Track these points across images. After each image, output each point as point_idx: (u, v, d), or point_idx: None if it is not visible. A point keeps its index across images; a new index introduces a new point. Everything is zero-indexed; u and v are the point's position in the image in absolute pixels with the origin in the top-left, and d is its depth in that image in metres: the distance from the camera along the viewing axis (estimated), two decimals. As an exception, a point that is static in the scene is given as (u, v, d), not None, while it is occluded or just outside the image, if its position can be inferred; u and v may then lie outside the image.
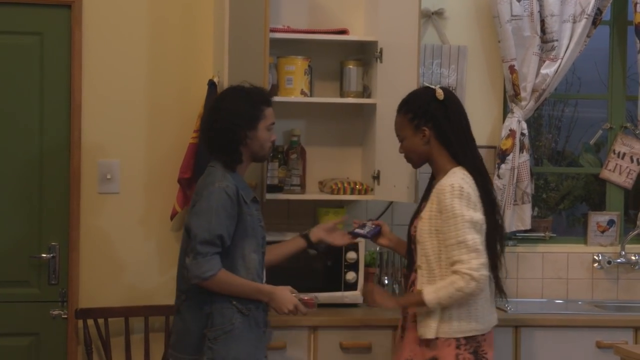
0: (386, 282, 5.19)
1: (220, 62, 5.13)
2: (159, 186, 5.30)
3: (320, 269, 5.12)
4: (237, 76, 5.02)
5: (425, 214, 4.31)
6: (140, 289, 5.29)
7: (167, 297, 5.29)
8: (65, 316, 5.20)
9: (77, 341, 5.21)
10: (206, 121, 4.48)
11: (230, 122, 4.37)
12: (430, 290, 4.20)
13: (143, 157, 5.30)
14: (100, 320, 5.16)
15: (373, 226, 4.65)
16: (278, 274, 5.08)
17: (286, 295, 4.37)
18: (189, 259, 4.24)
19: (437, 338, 4.27)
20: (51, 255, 5.22)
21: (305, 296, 4.42)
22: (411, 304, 4.32)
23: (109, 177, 5.27)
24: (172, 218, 5.26)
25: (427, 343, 4.29)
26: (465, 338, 4.26)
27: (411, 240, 4.40)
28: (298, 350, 4.85)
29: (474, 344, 4.28)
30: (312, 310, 4.43)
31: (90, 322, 5.15)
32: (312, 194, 5.23)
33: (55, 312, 5.20)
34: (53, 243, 5.23)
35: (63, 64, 5.22)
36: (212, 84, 5.13)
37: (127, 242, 5.29)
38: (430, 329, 4.26)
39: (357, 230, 4.66)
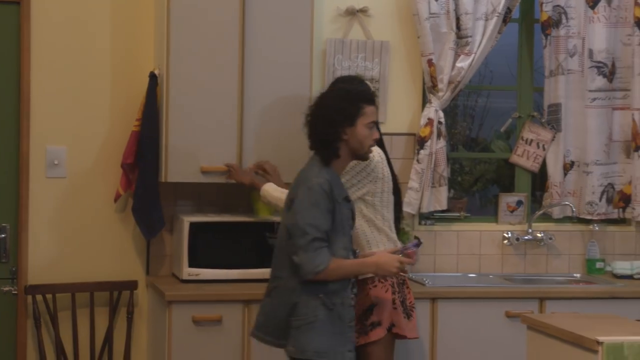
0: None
1: (161, 55, 5.11)
2: (103, 171, 5.27)
3: (254, 246, 5.12)
4: (178, 68, 5.02)
5: None
6: (85, 266, 5.25)
7: (111, 274, 5.28)
8: (15, 292, 5.15)
9: (26, 316, 5.16)
10: (308, 115, 4.33)
11: (328, 118, 4.24)
12: None
13: (88, 144, 5.26)
14: (49, 296, 5.12)
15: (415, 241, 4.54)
16: (215, 251, 5.09)
17: (388, 258, 4.28)
18: (299, 256, 4.12)
19: None
20: (2, 235, 5.16)
21: (406, 247, 4.35)
22: None
23: (56, 162, 5.22)
24: (115, 200, 5.23)
25: None
26: None
27: None
28: (233, 322, 4.84)
29: None
30: (418, 252, 4.43)
31: (39, 297, 5.10)
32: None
33: (6, 289, 5.14)
34: (4, 224, 5.17)
35: (13, 57, 5.16)
36: (152, 76, 5.11)
37: (74, 223, 5.25)
38: None
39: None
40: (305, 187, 4.18)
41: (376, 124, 4.34)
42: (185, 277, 5.03)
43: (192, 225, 5.04)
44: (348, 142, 4.26)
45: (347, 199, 4.31)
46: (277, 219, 5.12)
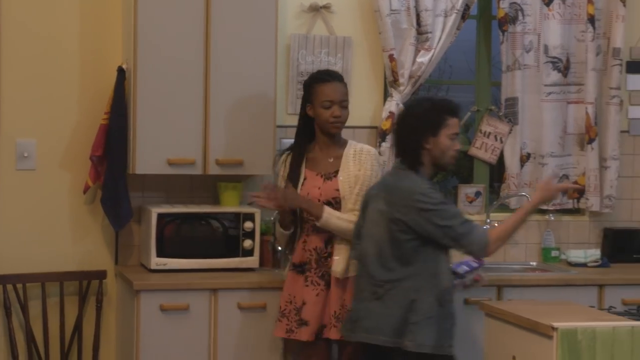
0: (279, 249, 5.20)
1: (128, 50, 5.11)
2: (72, 163, 5.26)
3: (221, 236, 5.13)
4: (145, 63, 5.02)
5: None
6: (55, 256, 5.24)
7: (80, 263, 5.27)
8: (-14, 282, 5.15)
9: (-3, 305, 5.16)
10: (395, 123, 4.51)
11: (412, 127, 4.34)
12: None
13: (58, 137, 5.25)
14: (19, 285, 5.10)
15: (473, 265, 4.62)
16: (182, 241, 5.09)
17: (548, 187, 4.44)
18: (464, 245, 4.26)
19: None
20: (-27, 226, 5.16)
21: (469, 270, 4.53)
22: None
23: (26, 155, 5.20)
24: (84, 192, 5.23)
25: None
26: None
27: None
28: (200, 310, 4.85)
29: None
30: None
31: (9, 287, 5.09)
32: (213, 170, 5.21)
33: (-23, 279, 5.14)
34: (-26, 215, 5.18)
35: (-18, 51, 5.15)
36: (120, 70, 5.11)
37: (43, 214, 5.24)
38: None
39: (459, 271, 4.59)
40: (420, 194, 4.26)
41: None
42: (153, 266, 5.03)
43: (160, 215, 5.05)
44: (430, 151, 4.35)
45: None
46: (244, 209, 5.14)
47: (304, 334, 4.63)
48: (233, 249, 5.11)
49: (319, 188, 4.68)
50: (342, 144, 4.77)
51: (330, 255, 4.65)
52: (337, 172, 4.70)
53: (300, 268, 4.69)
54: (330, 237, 4.66)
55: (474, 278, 4.54)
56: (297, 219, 4.70)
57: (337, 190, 4.67)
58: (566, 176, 5.81)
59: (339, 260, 4.62)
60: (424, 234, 4.25)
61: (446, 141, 4.34)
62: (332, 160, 4.73)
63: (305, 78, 5.39)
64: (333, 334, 4.63)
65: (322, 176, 4.70)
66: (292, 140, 4.99)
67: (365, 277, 4.38)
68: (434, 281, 4.27)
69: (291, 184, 4.67)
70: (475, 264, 4.56)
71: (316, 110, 4.67)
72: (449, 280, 4.33)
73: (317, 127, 4.72)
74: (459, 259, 4.61)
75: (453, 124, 4.37)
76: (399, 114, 4.63)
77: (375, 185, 4.53)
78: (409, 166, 4.36)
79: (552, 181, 4.42)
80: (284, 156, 4.80)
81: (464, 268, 4.55)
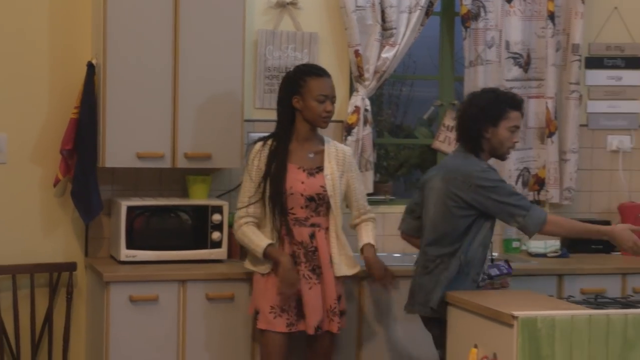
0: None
1: (98, 45, 5.09)
2: (43, 157, 5.24)
3: (189, 228, 5.13)
4: (115, 58, 5.01)
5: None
6: (26, 249, 5.22)
7: (51, 256, 5.25)
8: (-42, 274, 5.12)
9: (-32, 297, 5.14)
10: (459, 110, 4.69)
11: (474, 116, 4.50)
12: None
13: (28, 131, 5.22)
14: (-10, 278, 5.10)
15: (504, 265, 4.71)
16: (151, 233, 5.09)
17: (627, 232, 4.43)
18: (518, 222, 4.42)
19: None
20: (-56, 219, 5.13)
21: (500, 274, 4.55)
22: None
23: (-3, 148, 5.20)
24: (55, 185, 5.21)
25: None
26: None
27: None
28: (169, 301, 4.85)
29: None
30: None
31: (-19, 279, 5.09)
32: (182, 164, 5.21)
33: (-52, 271, 5.12)
34: (-55, 208, 5.15)
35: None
36: (90, 65, 5.10)
37: (14, 207, 5.21)
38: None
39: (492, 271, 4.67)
40: (479, 171, 4.45)
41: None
42: (122, 258, 5.03)
43: (129, 208, 5.04)
44: (489, 140, 4.51)
45: None
46: (212, 202, 5.15)
47: (307, 327, 4.63)
48: (201, 241, 5.11)
49: (303, 182, 4.66)
50: (320, 139, 4.77)
51: (316, 250, 4.66)
52: (319, 168, 4.71)
53: (292, 259, 4.64)
54: (313, 231, 4.67)
55: (502, 282, 4.63)
56: (277, 216, 4.65)
57: (322, 187, 4.68)
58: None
59: (340, 266, 4.71)
60: (481, 209, 4.44)
61: (505, 133, 4.51)
62: (312, 155, 4.72)
63: (273, 72, 5.42)
64: (332, 326, 4.67)
65: (304, 170, 4.68)
66: (260, 134, 5.01)
67: (421, 254, 4.64)
68: (464, 250, 4.47)
69: (274, 174, 4.63)
70: (505, 270, 4.66)
71: (308, 103, 4.64)
72: (475, 257, 4.50)
73: (300, 120, 4.69)
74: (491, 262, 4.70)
75: (514, 117, 4.53)
76: (463, 101, 4.78)
77: (434, 167, 4.76)
78: (469, 151, 4.54)
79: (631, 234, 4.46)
80: (257, 146, 4.73)
81: (495, 271, 4.65)
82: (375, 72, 5.55)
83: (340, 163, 4.76)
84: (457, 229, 4.48)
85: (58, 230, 5.29)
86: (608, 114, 5.99)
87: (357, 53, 5.51)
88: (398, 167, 7.17)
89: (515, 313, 3.80)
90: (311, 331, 4.63)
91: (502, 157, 4.62)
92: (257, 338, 4.82)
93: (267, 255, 4.62)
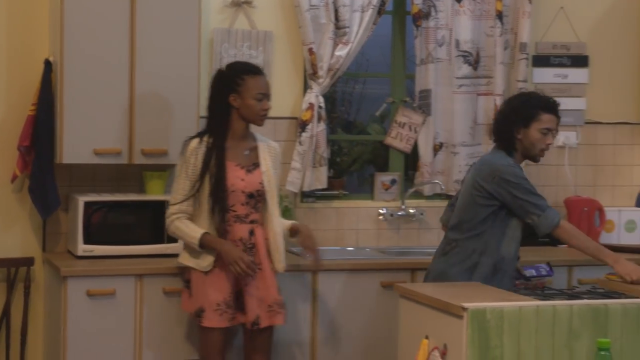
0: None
1: (55, 43, 5.06)
2: (0, 153, 5.20)
3: (146, 223, 5.11)
4: (72, 56, 4.98)
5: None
6: (-16, 244, 5.20)
7: (8, 251, 5.21)
8: None
9: None
10: (498, 112, 4.80)
11: (507, 116, 4.58)
12: None
13: (-15, 128, 5.20)
14: (-52, 273, 5.05)
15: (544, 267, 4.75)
16: (108, 229, 5.06)
17: (630, 265, 4.44)
18: (532, 220, 4.48)
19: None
20: None
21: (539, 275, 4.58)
22: None
23: (-46, 145, 5.15)
24: (12, 181, 5.17)
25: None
26: None
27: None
28: (126, 295, 4.83)
29: None
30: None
31: (-61, 274, 5.03)
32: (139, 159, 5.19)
33: None
34: None
35: None
36: (47, 63, 5.07)
37: (-28, 203, 5.19)
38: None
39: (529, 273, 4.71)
40: (506, 165, 4.53)
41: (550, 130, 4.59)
42: (80, 253, 5.00)
43: (87, 204, 5.01)
44: (522, 141, 4.57)
45: None
46: (168, 197, 5.12)
47: (247, 321, 4.63)
48: (158, 235, 5.09)
49: (243, 180, 4.64)
50: (252, 136, 4.75)
51: (254, 246, 4.64)
52: (255, 164, 4.69)
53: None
54: (252, 228, 4.66)
55: (537, 284, 4.65)
56: (218, 214, 4.61)
57: (261, 183, 4.67)
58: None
59: (278, 258, 4.69)
60: (501, 201, 4.51)
61: (536, 134, 4.55)
62: (248, 152, 4.70)
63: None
64: (277, 319, 4.67)
65: (242, 167, 4.67)
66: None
67: (443, 238, 4.75)
68: (495, 247, 4.54)
69: (215, 172, 4.60)
70: (545, 272, 4.71)
71: (246, 101, 4.60)
72: (509, 253, 4.57)
73: (237, 118, 4.65)
74: (532, 263, 4.79)
75: (546, 120, 4.56)
76: (502, 102, 4.85)
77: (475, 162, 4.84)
78: (504, 150, 4.61)
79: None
80: (194, 143, 4.64)
81: (532, 272, 4.70)
82: (329, 69, 5.56)
83: (272, 159, 4.75)
84: (476, 217, 4.56)
85: (16, 225, 5.25)
86: (555, 110, 6.04)
87: (311, 51, 5.52)
88: (351, 162, 7.16)
89: (465, 305, 3.82)
90: (249, 326, 4.63)
91: (534, 158, 4.64)
92: (197, 334, 4.76)
93: (203, 245, 4.57)
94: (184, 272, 4.73)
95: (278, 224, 4.72)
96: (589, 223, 5.84)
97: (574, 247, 4.55)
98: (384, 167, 6.07)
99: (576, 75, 6.07)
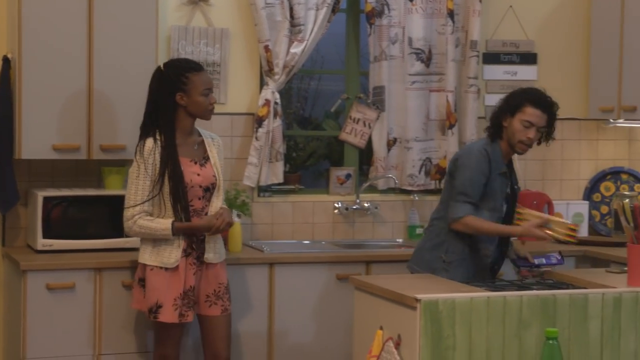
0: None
1: (13, 40, 5.00)
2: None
3: (104, 217, 5.07)
4: (30, 53, 4.92)
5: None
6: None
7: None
8: None
9: None
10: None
11: (499, 104, 4.64)
12: None
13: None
14: None
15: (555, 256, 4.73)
16: (67, 223, 5.02)
17: (532, 230, 4.49)
18: (448, 206, 4.56)
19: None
20: None
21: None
22: None
23: None
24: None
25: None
26: None
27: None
28: (85, 289, 4.80)
29: None
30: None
31: None
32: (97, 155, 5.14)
33: None
34: None
35: None
36: (6, 60, 5.01)
37: None
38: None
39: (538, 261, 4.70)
40: (468, 152, 4.62)
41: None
42: (39, 247, 4.95)
43: (46, 199, 4.97)
44: (507, 129, 4.58)
45: (505, 175, 4.62)
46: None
47: (191, 316, 4.61)
48: (116, 229, 5.05)
49: (199, 175, 4.62)
50: (197, 131, 4.72)
51: (204, 239, 4.63)
52: (205, 158, 4.67)
53: (185, 252, 4.59)
54: None
55: (545, 273, 4.64)
56: (180, 211, 4.57)
57: (214, 176, 4.65)
58: (429, 159, 5.91)
59: (210, 247, 4.63)
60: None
61: (517, 125, 4.56)
62: (196, 147, 4.67)
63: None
64: (213, 310, 4.65)
65: (195, 162, 4.63)
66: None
67: None
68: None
69: (173, 170, 4.54)
70: (555, 261, 4.70)
71: (193, 98, 4.57)
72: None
73: (184, 115, 4.59)
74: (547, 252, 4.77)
75: (529, 113, 4.55)
76: None
77: None
78: (490, 137, 4.63)
79: (536, 229, 4.52)
80: (150, 143, 4.55)
81: (542, 261, 4.69)
82: (285, 66, 5.55)
83: (217, 151, 4.73)
84: (449, 196, 4.63)
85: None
86: (504, 106, 6.07)
87: (267, 48, 5.50)
88: (307, 157, 7.17)
89: (418, 296, 3.83)
90: (191, 318, 4.59)
91: (514, 148, 4.63)
92: (155, 329, 4.69)
93: (176, 232, 4.53)
94: (137, 271, 4.66)
95: None
96: (537, 216, 5.88)
97: (478, 234, 4.59)
98: (339, 162, 6.07)
99: (525, 72, 6.10)
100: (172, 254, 4.55)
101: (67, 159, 5.08)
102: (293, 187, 5.82)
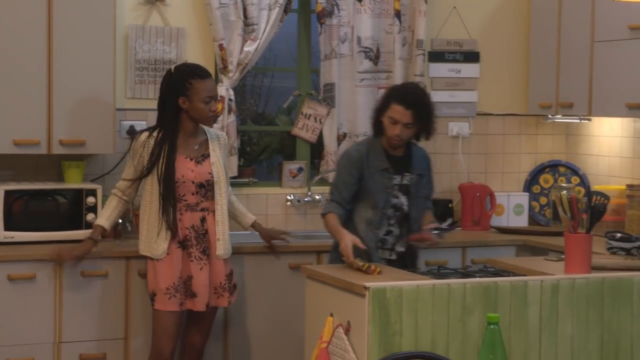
0: (120, 221, 5.14)
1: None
2: None
3: (65, 211, 5.04)
4: (-11, 50, 4.88)
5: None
6: None
7: None
8: None
9: None
10: None
11: (378, 101, 4.73)
12: None
13: None
14: None
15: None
16: (28, 216, 4.98)
17: (345, 249, 4.41)
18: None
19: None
20: None
21: (372, 265, 4.33)
22: None
23: None
24: None
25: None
26: None
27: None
28: (46, 279, 4.77)
29: None
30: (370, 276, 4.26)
31: None
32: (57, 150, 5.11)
33: None
34: None
35: None
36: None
37: None
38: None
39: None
40: (344, 153, 4.77)
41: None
42: (1, 239, 4.91)
43: (7, 192, 4.93)
44: (381, 124, 4.60)
45: (388, 171, 4.58)
46: (86, 186, 5.07)
47: (197, 305, 4.64)
48: (77, 222, 5.03)
49: (193, 171, 4.63)
50: (202, 130, 4.75)
51: (207, 232, 4.66)
52: (204, 155, 4.68)
53: (183, 245, 4.63)
54: (204, 215, 4.67)
55: (430, 237, 4.63)
56: (169, 205, 4.61)
57: (210, 173, 4.66)
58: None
59: (221, 244, 4.69)
60: None
61: (386, 121, 4.55)
62: (197, 147, 4.70)
63: (143, 65, 5.37)
64: (221, 302, 4.72)
65: (191, 159, 4.65)
66: (131, 123, 5.00)
67: None
68: (354, 216, 4.63)
69: (164, 164, 4.58)
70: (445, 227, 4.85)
71: (195, 104, 4.58)
72: (366, 224, 4.60)
73: (186, 118, 4.63)
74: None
75: (394, 109, 4.54)
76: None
77: None
78: (373, 133, 4.67)
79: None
80: (143, 137, 4.64)
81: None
82: (239, 64, 5.55)
83: (222, 149, 4.77)
84: None
85: None
86: (449, 103, 6.12)
87: (221, 47, 5.49)
88: (260, 152, 7.18)
89: (367, 284, 3.86)
90: (203, 308, 4.65)
91: (389, 143, 4.60)
92: (152, 317, 4.72)
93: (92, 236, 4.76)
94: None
95: (221, 213, 4.70)
96: (481, 207, 5.94)
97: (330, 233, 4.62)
98: (291, 156, 6.08)
99: (468, 70, 6.16)
100: (160, 246, 4.61)
101: (27, 153, 5.03)
102: (247, 180, 5.82)
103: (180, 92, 4.60)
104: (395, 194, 4.64)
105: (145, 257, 4.70)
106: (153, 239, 4.62)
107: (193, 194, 4.64)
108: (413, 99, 4.58)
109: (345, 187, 4.59)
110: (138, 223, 4.79)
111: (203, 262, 4.65)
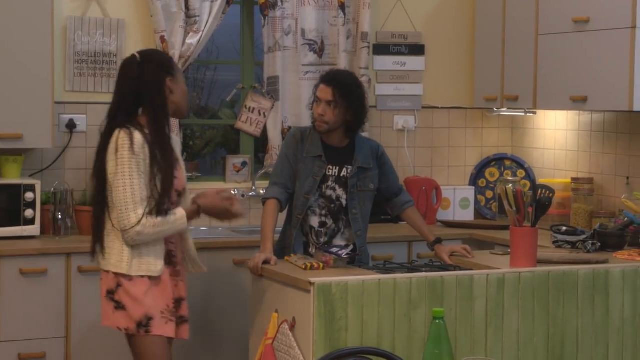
0: (60, 216, 5.09)
1: None
2: None
3: (3, 207, 4.97)
4: None
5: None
6: None
7: None
8: None
9: None
10: None
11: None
12: None
13: None
14: None
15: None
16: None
17: (253, 266, 4.35)
18: None
19: None
20: None
21: (314, 263, 4.24)
22: None
23: None
24: None
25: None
26: None
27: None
28: (-16, 277, 4.72)
29: None
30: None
31: None
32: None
33: None
34: None
35: None
36: None
37: None
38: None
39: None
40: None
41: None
42: None
43: (-58, 189, 4.86)
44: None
45: (321, 159, 4.54)
46: (24, 181, 5.00)
47: (184, 332, 4.11)
48: (15, 218, 4.97)
49: (176, 177, 4.06)
50: None
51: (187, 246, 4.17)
52: (176, 159, 4.09)
53: (169, 259, 4.05)
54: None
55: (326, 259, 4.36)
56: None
57: (184, 179, 4.17)
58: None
59: (188, 257, 4.22)
60: None
61: (314, 105, 4.57)
62: None
63: (82, 57, 5.33)
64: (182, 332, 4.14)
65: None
66: (71, 116, 4.92)
67: None
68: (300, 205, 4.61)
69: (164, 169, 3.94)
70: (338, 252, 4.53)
71: (181, 85, 4.06)
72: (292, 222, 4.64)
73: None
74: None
75: (318, 90, 4.56)
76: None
77: None
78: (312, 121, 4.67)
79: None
80: (141, 138, 3.90)
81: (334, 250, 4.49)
82: (181, 57, 5.51)
83: (179, 152, 4.23)
84: None
85: None
86: (394, 96, 6.15)
87: (162, 39, 5.45)
88: (204, 146, 7.16)
89: (312, 280, 3.87)
90: (187, 336, 4.14)
91: (315, 128, 4.58)
92: (140, 345, 3.99)
93: (192, 216, 4.02)
94: (103, 282, 3.99)
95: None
96: (427, 201, 5.97)
97: None
98: (235, 150, 6.07)
99: (413, 63, 6.18)
100: (158, 262, 3.95)
101: (-37, 148, 4.96)
102: (190, 175, 5.76)
103: (167, 71, 3.99)
104: (331, 186, 4.60)
105: (118, 275, 3.94)
106: (146, 255, 3.92)
107: (172, 204, 4.00)
108: (334, 76, 4.61)
109: (282, 166, 4.59)
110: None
111: (174, 279, 4.08)
